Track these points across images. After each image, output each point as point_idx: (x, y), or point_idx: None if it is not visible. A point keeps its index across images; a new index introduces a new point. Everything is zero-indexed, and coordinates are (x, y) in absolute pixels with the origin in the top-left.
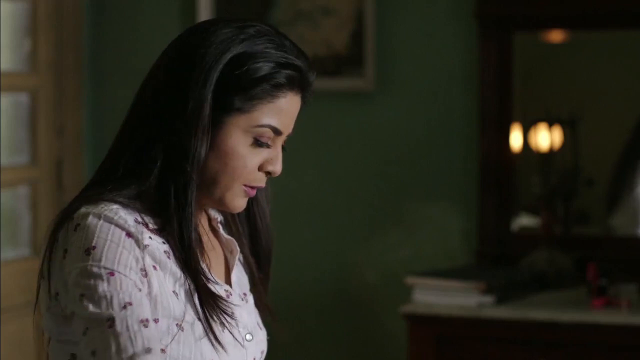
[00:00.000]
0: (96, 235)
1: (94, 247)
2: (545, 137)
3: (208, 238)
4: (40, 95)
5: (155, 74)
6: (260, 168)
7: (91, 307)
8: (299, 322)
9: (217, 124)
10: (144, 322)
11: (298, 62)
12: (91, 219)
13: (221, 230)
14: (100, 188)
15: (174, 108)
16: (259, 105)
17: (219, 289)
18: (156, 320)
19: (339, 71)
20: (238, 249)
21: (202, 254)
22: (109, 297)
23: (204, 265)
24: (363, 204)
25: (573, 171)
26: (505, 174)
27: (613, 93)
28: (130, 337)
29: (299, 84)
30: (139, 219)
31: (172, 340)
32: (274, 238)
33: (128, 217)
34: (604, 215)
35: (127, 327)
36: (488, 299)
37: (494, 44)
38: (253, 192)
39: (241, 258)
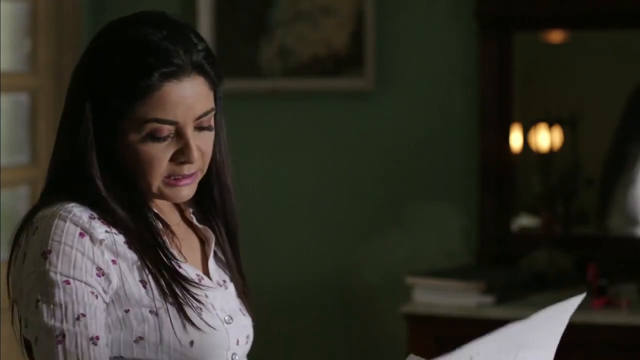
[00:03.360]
0: (50, 237)
1: (50, 251)
2: (545, 137)
3: (180, 229)
4: (40, 95)
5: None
6: (172, 159)
7: (45, 315)
8: (299, 322)
9: (111, 132)
10: (94, 340)
11: (171, 59)
12: (47, 220)
13: (194, 221)
14: (56, 193)
15: (68, 131)
16: (137, 103)
17: (190, 272)
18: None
19: (339, 71)
20: (213, 236)
21: (172, 239)
22: (64, 307)
23: (173, 249)
24: (363, 203)
25: (573, 171)
26: (505, 174)
27: (613, 93)
28: (78, 356)
29: (177, 74)
30: (94, 215)
31: (148, 326)
32: (238, 216)
33: (83, 213)
34: (603, 215)
35: (77, 344)
36: (488, 299)
37: (494, 44)
38: (183, 182)
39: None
